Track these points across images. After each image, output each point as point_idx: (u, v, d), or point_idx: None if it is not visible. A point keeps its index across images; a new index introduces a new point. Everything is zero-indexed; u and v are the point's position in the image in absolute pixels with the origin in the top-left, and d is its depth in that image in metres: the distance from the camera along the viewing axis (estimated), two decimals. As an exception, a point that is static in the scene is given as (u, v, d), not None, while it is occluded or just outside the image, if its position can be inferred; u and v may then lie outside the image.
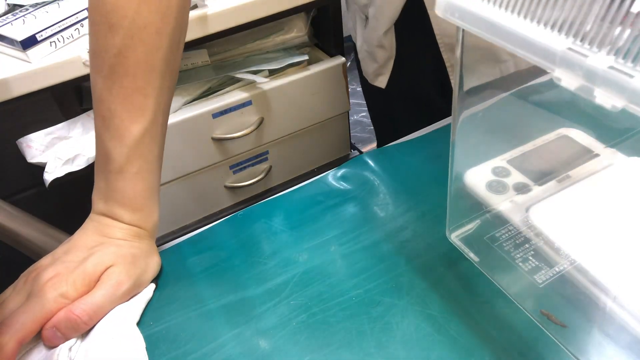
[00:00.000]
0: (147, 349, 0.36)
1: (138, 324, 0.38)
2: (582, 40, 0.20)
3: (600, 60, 0.19)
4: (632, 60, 0.19)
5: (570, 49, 0.20)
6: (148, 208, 0.41)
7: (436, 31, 0.63)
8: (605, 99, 0.20)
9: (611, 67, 0.19)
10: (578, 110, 0.41)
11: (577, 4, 0.20)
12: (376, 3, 0.65)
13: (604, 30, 0.19)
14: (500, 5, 0.23)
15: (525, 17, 0.22)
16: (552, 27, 0.21)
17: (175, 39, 0.40)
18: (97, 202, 0.41)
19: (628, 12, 0.18)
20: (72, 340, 0.35)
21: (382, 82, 0.73)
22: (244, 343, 0.36)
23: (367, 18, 0.69)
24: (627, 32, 0.19)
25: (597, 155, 0.43)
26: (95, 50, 0.39)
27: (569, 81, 0.21)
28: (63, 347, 0.35)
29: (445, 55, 0.65)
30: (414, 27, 0.65)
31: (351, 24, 0.77)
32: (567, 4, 0.20)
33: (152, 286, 0.41)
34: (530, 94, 0.37)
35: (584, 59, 0.20)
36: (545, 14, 0.21)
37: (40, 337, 0.35)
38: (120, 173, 0.40)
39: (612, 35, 0.19)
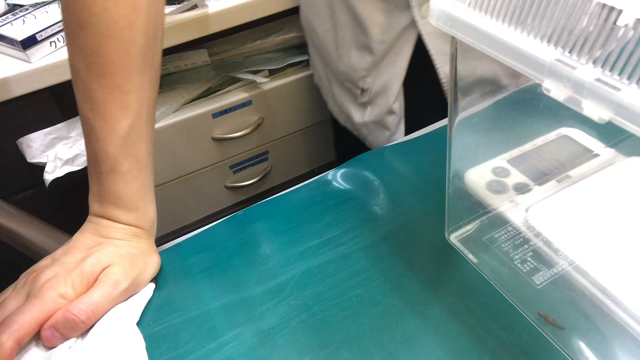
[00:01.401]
0: (147, 349, 0.36)
1: (138, 324, 0.38)
2: (570, 51, 0.20)
3: (587, 72, 0.19)
4: (618, 72, 0.19)
5: (558, 60, 0.20)
6: (143, 207, 0.41)
7: (442, 79, 0.61)
8: (592, 110, 0.20)
9: (598, 80, 0.19)
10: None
11: (566, 15, 0.20)
12: (379, 69, 0.62)
13: (592, 42, 0.19)
14: (491, 15, 0.23)
15: (515, 27, 0.22)
16: (542, 38, 0.21)
17: (150, 32, 0.39)
18: (93, 204, 0.41)
19: (615, 24, 0.19)
20: (72, 340, 0.35)
21: None
22: (244, 343, 0.36)
23: (362, 90, 0.66)
24: (614, 44, 0.19)
25: (597, 155, 0.43)
26: (71, 52, 0.38)
27: (557, 92, 0.21)
28: (62, 347, 0.35)
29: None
30: (421, 82, 0.63)
31: (331, 104, 0.73)
32: (556, 15, 0.21)
33: (152, 286, 0.41)
34: (530, 94, 0.37)
35: (572, 70, 0.20)
36: (535, 25, 0.22)
37: (39, 337, 0.35)
38: (111, 174, 0.39)
39: (599, 47, 0.19)
